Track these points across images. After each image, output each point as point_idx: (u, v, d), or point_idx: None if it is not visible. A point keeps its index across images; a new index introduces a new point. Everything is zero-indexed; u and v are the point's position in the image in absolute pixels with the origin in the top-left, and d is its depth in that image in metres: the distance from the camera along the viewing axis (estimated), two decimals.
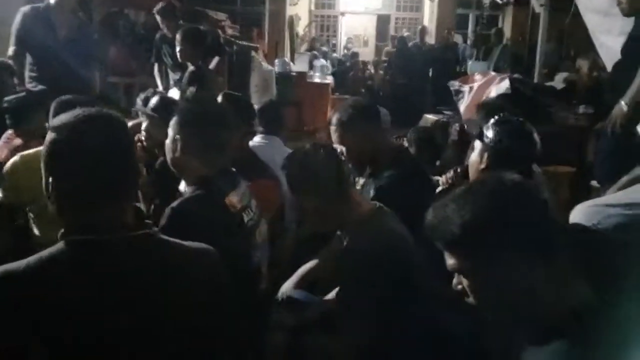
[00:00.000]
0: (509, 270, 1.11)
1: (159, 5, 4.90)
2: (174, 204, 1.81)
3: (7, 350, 1.10)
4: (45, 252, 1.18)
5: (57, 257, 1.16)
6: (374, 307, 1.71)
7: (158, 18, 4.92)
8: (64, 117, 1.22)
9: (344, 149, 2.35)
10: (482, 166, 2.04)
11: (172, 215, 1.75)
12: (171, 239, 1.32)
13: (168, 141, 1.92)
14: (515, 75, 4.95)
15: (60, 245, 1.18)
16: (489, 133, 2.06)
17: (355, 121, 2.35)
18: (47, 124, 2.34)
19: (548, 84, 5.37)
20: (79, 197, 1.20)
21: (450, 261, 1.16)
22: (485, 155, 2.04)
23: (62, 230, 1.20)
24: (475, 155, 2.10)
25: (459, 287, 1.18)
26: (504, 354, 1.27)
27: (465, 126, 2.82)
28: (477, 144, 2.10)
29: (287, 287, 2.23)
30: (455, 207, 1.13)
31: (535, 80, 5.37)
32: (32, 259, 1.16)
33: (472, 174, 2.11)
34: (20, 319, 1.10)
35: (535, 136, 2.10)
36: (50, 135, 1.21)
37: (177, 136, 1.87)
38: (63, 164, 1.19)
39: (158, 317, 1.18)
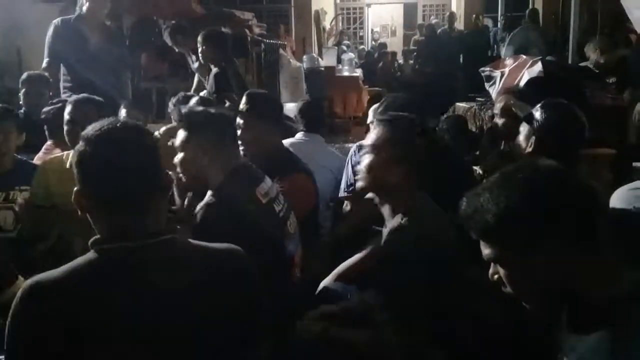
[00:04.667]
0: (547, 259, 1.08)
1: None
2: (207, 200, 1.86)
3: (40, 354, 1.13)
4: (75, 262, 1.22)
5: (86, 266, 1.20)
6: (415, 295, 1.70)
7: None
8: (91, 128, 1.26)
9: None
10: (529, 150, 2.00)
11: (207, 213, 1.79)
12: (197, 242, 1.34)
13: (184, 160, 1.96)
14: (548, 58, 4.83)
15: (90, 254, 1.22)
16: (537, 116, 2.02)
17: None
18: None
19: (583, 64, 5.22)
20: (106, 206, 1.24)
21: (486, 251, 1.15)
22: (533, 138, 2.00)
23: (93, 239, 1.24)
24: (521, 139, 2.07)
25: (496, 277, 1.17)
26: (544, 343, 1.24)
27: (513, 108, 2.76)
28: (524, 127, 2.07)
29: (326, 282, 2.23)
30: (489, 196, 1.11)
31: (570, 61, 5.24)
32: (62, 268, 1.20)
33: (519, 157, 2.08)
34: (50, 327, 1.13)
35: (584, 120, 2.06)
36: (78, 146, 1.26)
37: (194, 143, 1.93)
38: (90, 173, 1.24)
39: (185, 319, 1.20)
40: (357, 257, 2.25)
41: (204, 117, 2.00)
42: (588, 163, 2.92)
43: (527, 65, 4.45)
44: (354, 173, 2.98)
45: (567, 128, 2.01)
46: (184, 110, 2.02)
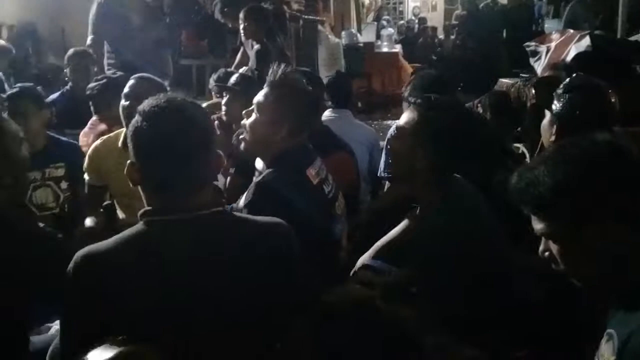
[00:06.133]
0: (602, 234, 1.07)
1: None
2: (259, 179, 1.86)
3: (90, 326, 1.17)
4: (125, 233, 1.25)
5: (136, 237, 1.23)
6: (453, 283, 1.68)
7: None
8: (148, 102, 1.27)
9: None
10: (552, 138, 1.92)
11: (258, 191, 1.79)
12: (243, 215, 1.38)
13: (258, 123, 1.91)
14: (597, 32, 4.66)
15: (139, 226, 1.25)
16: (558, 100, 1.94)
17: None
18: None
19: (633, 38, 5.02)
20: (157, 180, 1.25)
21: (538, 226, 1.13)
22: (555, 126, 1.92)
23: (142, 210, 1.26)
24: (546, 124, 1.99)
25: (546, 253, 1.15)
26: (591, 320, 1.22)
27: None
28: (548, 113, 1.99)
29: (364, 258, 2.24)
30: (544, 169, 1.10)
31: (619, 35, 5.04)
32: (113, 239, 1.24)
33: (545, 143, 2.01)
34: (102, 295, 1.17)
35: (611, 98, 1.96)
36: (135, 119, 1.27)
37: (276, 115, 1.87)
38: (144, 147, 1.25)
39: (229, 289, 1.23)
40: (393, 232, 2.24)
41: (301, 87, 1.94)
42: (636, 141, 2.82)
43: (575, 40, 4.31)
44: None
45: (591, 112, 1.90)
46: (280, 72, 1.92)
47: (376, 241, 2.27)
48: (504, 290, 1.71)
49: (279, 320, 1.28)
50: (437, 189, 1.78)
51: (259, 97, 1.93)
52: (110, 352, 0.98)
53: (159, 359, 1.04)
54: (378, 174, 3.02)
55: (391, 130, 3.07)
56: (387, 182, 2.98)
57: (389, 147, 1.93)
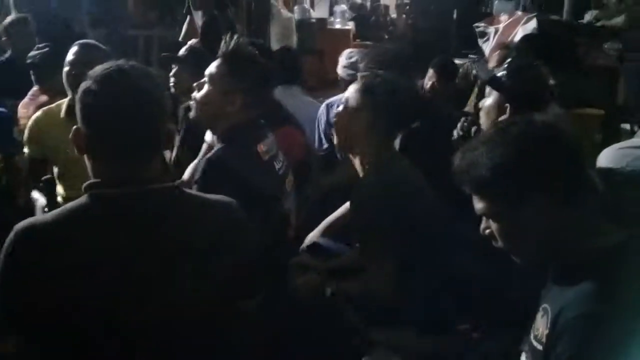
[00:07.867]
0: (537, 212, 1.11)
1: None
2: (210, 155, 1.83)
3: (32, 300, 1.12)
4: (68, 206, 1.19)
5: (80, 210, 1.18)
6: (390, 244, 1.73)
7: None
8: (101, 67, 1.21)
9: None
10: (505, 116, 1.97)
11: (209, 167, 1.77)
12: (192, 192, 1.34)
13: (211, 95, 1.88)
14: (544, 15, 4.77)
15: (83, 198, 1.19)
16: (509, 82, 1.98)
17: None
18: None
19: (580, 22, 5.16)
20: (107, 148, 1.20)
21: (479, 205, 1.17)
22: (508, 106, 1.96)
23: (88, 182, 1.20)
24: (492, 104, 2.01)
25: (487, 231, 1.19)
26: (527, 295, 1.28)
27: (475, 71, 2.76)
28: (492, 92, 2.02)
29: (313, 235, 2.26)
30: (484, 150, 1.13)
31: (564, 17, 5.17)
32: (56, 212, 1.19)
33: (486, 121, 2.04)
34: (44, 269, 1.12)
35: (547, 79, 2.03)
36: (84, 83, 1.20)
37: (228, 85, 1.86)
38: (93, 112, 1.19)
39: (176, 266, 1.19)
40: (341, 210, 2.27)
41: (254, 59, 1.92)
42: (577, 123, 2.94)
43: (522, 22, 4.41)
44: (324, 132, 3.01)
45: (539, 92, 1.98)
46: (233, 43, 1.90)
47: (325, 218, 2.29)
48: (442, 260, 1.77)
49: (228, 301, 1.27)
50: (375, 157, 1.86)
51: (211, 68, 1.90)
52: None
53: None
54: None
55: (321, 109, 3.09)
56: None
57: (334, 119, 1.97)
